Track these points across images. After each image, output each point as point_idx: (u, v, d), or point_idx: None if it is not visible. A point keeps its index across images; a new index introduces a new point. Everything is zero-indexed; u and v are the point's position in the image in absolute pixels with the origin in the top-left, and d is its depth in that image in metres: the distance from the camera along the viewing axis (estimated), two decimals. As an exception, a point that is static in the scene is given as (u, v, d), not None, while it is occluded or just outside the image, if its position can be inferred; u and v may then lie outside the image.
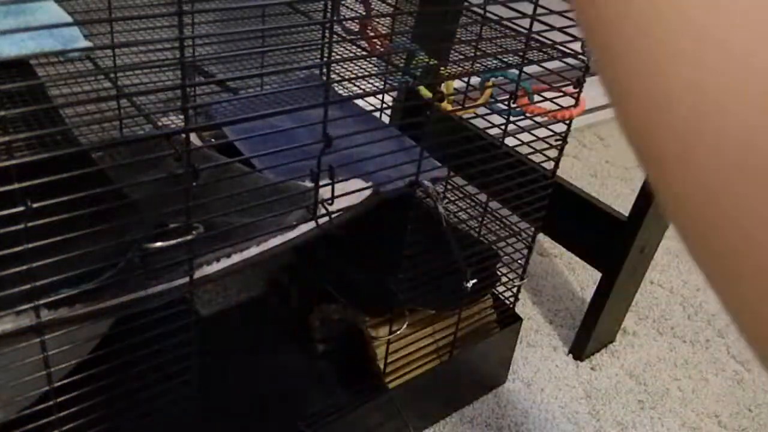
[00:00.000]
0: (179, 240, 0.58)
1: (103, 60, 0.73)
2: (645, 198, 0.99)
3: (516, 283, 0.99)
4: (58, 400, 0.55)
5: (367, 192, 0.71)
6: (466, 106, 0.80)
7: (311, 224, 0.65)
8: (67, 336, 0.54)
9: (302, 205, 0.67)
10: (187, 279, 0.59)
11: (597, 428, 1.03)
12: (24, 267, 0.48)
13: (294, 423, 0.81)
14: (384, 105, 1.02)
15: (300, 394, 0.89)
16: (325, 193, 0.66)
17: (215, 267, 0.62)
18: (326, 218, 0.66)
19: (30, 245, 0.47)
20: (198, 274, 0.60)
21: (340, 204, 0.66)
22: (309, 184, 0.65)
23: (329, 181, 0.66)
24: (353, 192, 0.69)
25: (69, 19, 0.69)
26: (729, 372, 1.17)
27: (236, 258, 0.63)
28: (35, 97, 0.59)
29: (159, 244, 0.58)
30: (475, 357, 0.98)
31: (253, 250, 0.64)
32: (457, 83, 0.79)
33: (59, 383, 0.55)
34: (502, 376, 1.07)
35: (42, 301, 0.51)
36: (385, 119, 1.05)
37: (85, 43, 0.65)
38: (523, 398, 1.06)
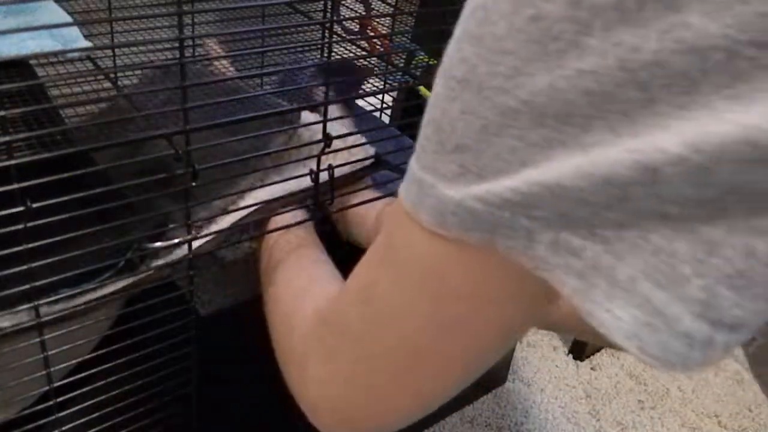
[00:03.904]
0: (179, 240, 0.58)
1: (103, 60, 0.73)
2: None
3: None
4: (58, 400, 0.55)
5: (369, 160, 0.71)
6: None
7: (307, 180, 0.65)
8: (67, 335, 0.54)
9: (302, 204, 0.67)
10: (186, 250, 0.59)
11: (597, 428, 1.03)
12: (24, 267, 0.48)
13: (293, 423, 0.81)
14: (384, 105, 1.02)
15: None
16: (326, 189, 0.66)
17: (213, 228, 0.62)
18: (326, 173, 0.66)
19: (30, 245, 0.47)
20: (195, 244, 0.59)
21: (341, 169, 0.67)
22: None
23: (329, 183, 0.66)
24: (354, 162, 0.69)
25: (69, 19, 0.69)
26: (729, 372, 1.17)
27: (232, 217, 0.63)
28: (35, 97, 0.59)
29: (159, 244, 0.58)
30: (475, 357, 0.98)
31: (250, 200, 0.64)
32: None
33: (59, 383, 0.55)
34: (502, 376, 1.07)
35: (42, 301, 0.51)
36: (385, 119, 1.05)
37: (85, 43, 0.65)
38: (523, 398, 1.06)
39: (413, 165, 0.30)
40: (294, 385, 0.41)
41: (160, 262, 0.59)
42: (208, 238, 0.60)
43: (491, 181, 0.26)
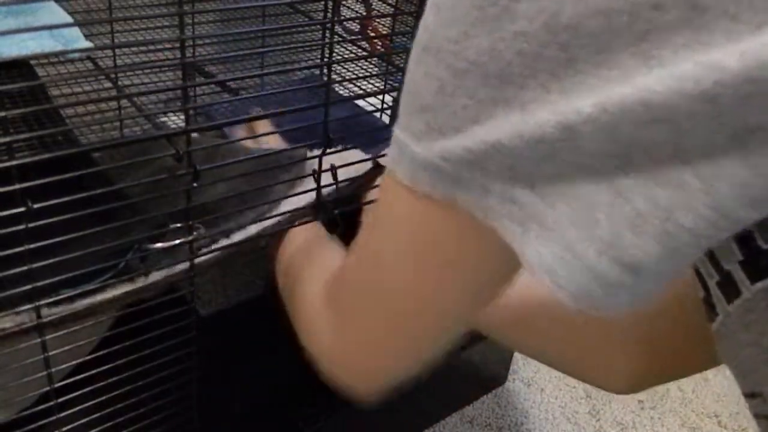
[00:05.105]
0: (180, 241, 0.58)
1: (104, 60, 0.73)
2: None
3: (516, 283, 0.99)
4: (59, 400, 0.55)
5: (368, 165, 0.71)
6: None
7: (310, 195, 0.65)
8: (67, 336, 0.54)
9: (303, 204, 0.67)
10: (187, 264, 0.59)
11: (597, 428, 1.03)
12: (24, 268, 0.48)
13: (293, 422, 0.81)
14: (384, 105, 1.02)
15: (300, 394, 0.89)
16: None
17: (215, 246, 0.62)
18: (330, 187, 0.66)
19: (30, 246, 0.47)
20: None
21: (340, 176, 0.67)
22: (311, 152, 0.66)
23: (331, 181, 0.66)
24: (354, 163, 0.69)
25: (69, 19, 0.69)
26: (729, 372, 1.17)
27: (236, 237, 0.64)
28: (36, 97, 0.59)
29: (159, 245, 0.58)
30: (475, 357, 0.98)
31: (252, 229, 0.65)
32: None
33: (60, 384, 0.55)
34: (502, 376, 1.07)
35: (42, 302, 0.51)
36: (386, 119, 1.05)
37: (85, 44, 0.65)
38: (523, 398, 1.06)
39: (395, 127, 0.33)
40: (314, 358, 0.45)
41: (164, 273, 0.59)
42: (209, 256, 0.61)
43: (450, 138, 0.29)
